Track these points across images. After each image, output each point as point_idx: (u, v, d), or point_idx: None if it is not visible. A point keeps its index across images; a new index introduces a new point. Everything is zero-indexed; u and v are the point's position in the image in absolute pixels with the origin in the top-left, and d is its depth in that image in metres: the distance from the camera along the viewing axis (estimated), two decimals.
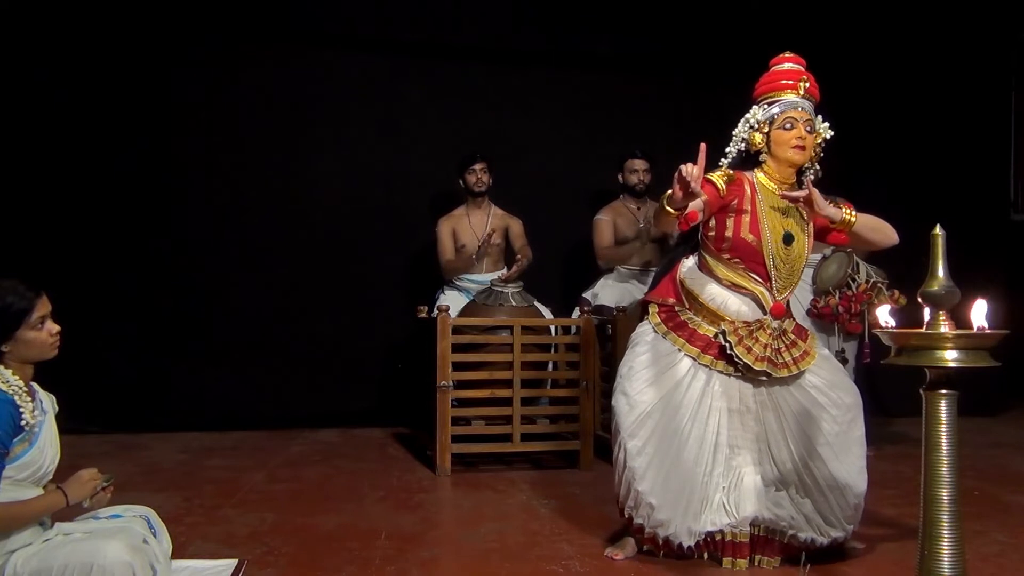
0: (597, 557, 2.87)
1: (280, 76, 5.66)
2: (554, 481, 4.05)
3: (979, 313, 1.86)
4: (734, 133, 2.97)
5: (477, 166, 5.18)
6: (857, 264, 4.48)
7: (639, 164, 5.16)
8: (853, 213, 2.87)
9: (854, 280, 4.43)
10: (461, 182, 5.24)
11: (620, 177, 5.25)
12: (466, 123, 5.78)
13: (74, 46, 5.31)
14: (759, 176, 2.91)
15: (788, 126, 2.84)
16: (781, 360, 2.78)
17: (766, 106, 2.89)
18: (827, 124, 2.93)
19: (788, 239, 2.86)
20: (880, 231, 2.94)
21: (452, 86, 5.88)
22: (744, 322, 2.83)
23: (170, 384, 5.41)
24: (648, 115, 5.86)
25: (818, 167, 3.01)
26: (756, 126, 2.88)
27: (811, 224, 2.94)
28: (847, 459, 2.76)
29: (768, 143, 2.88)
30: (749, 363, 2.75)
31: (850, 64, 6.06)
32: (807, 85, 2.86)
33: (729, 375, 2.82)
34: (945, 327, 1.83)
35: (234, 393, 5.44)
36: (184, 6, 5.41)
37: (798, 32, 5.62)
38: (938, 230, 1.89)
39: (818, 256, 4.57)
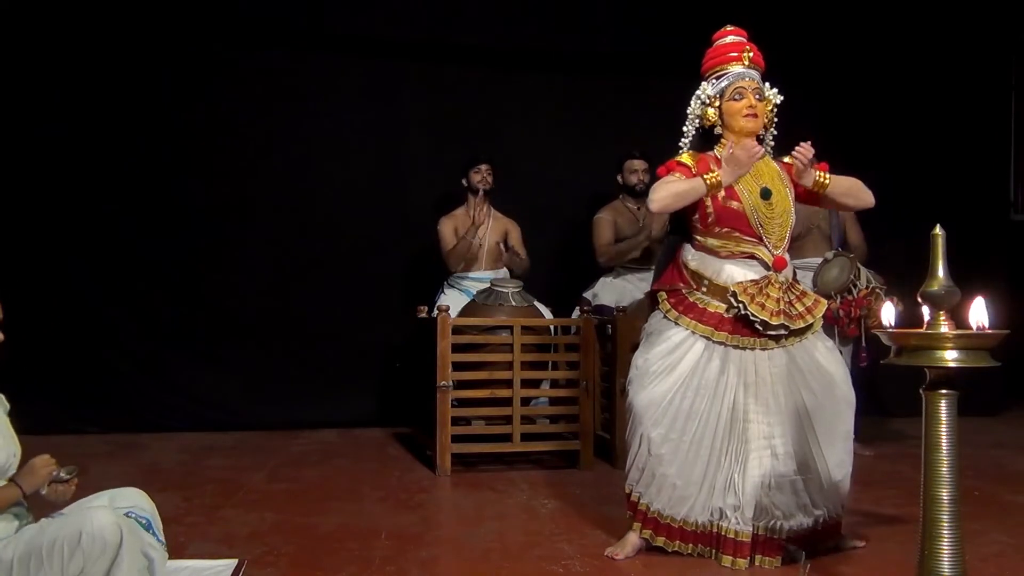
0: (597, 557, 2.87)
1: (279, 77, 5.65)
2: (554, 481, 4.05)
3: (979, 311, 1.86)
4: (688, 112, 3.04)
5: (482, 166, 5.21)
6: (858, 269, 4.48)
7: (638, 164, 5.17)
8: (827, 176, 2.94)
9: (855, 285, 4.43)
10: (464, 181, 5.25)
11: (619, 178, 5.26)
12: (466, 124, 5.77)
13: (74, 48, 5.31)
14: (721, 151, 2.99)
15: (738, 96, 2.94)
16: (796, 311, 2.85)
17: (714, 81, 2.98)
18: (776, 90, 3.01)
19: (766, 194, 2.93)
20: (852, 195, 3.04)
21: (451, 87, 5.87)
22: (752, 281, 2.87)
23: (170, 384, 5.41)
24: (646, 115, 5.84)
25: (774, 132, 3.08)
26: (707, 101, 2.97)
27: (788, 179, 3.01)
28: (837, 443, 2.85)
29: (721, 116, 2.97)
30: (766, 319, 2.79)
31: (851, 64, 6.07)
32: (751, 55, 2.96)
33: (744, 348, 2.85)
34: (945, 327, 1.83)
35: (234, 393, 5.44)
36: (183, 8, 5.41)
37: (798, 32, 5.64)
38: (938, 230, 1.89)
39: (819, 259, 4.58)
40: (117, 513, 2.06)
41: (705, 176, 2.87)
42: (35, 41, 5.25)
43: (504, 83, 5.94)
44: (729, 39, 3.00)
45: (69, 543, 1.95)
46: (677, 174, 2.92)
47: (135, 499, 2.25)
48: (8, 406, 2.23)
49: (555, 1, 5.92)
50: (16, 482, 2.08)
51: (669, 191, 2.88)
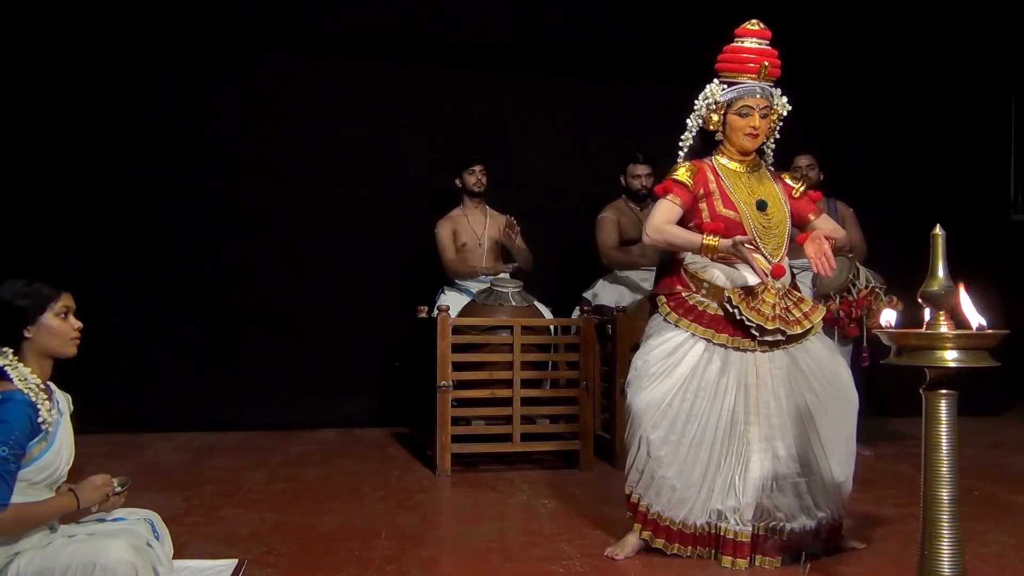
0: (597, 557, 2.87)
1: (279, 78, 5.66)
2: (554, 481, 4.05)
3: (967, 305, 1.86)
4: (694, 106, 3.05)
5: (476, 167, 5.20)
6: (857, 269, 4.48)
7: (642, 169, 5.16)
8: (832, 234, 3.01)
9: (854, 285, 4.43)
10: (459, 182, 5.25)
11: (622, 180, 5.25)
12: (464, 124, 5.77)
13: (74, 48, 5.31)
14: (718, 159, 3.03)
15: (744, 113, 2.95)
16: (792, 317, 2.86)
17: (725, 86, 2.97)
18: (785, 100, 3.03)
19: (762, 205, 2.96)
20: (842, 244, 3.19)
21: (450, 87, 5.87)
22: (748, 287, 2.89)
23: (170, 384, 5.41)
24: (646, 116, 5.84)
25: (777, 136, 3.11)
26: (714, 107, 2.98)
27: (785, 196, 3.05)
28: (840, 445, 2.86)
29: (724, 125, 2.99)
30: (762, 324, 2.80)
31: (852, 65, 6.06)
32: (768, 68, 2.94)
33: (744, 351, 2.85)
34: (945, 327, 1.83)
35: (234, 393, 5.44)
36: (183, 8, 5.41)
37: (800, 32, 5.63)
38: (938, 230, 1.89)
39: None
40: (132, 541, 2.05)
41: (704, 238, 2.88)
42: (35, 41, 5.24)
43: (504, 83, 5.93)
44: (751, 42, 2.95)
45: (84, 572, 1.95)
46: (674, 197, 2.95)
47: (150, 516, 2.30)
48: (72, 409, 2.23)
49: (555, 1, 5.92)
50: (75, 494, 2.09)
51: (666, 237, 2.96)
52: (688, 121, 3.06)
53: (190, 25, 5.44)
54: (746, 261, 2.85)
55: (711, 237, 2.88)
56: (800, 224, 3.09)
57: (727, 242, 2.85)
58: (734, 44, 2.98)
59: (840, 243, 3.11)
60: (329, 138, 5.70)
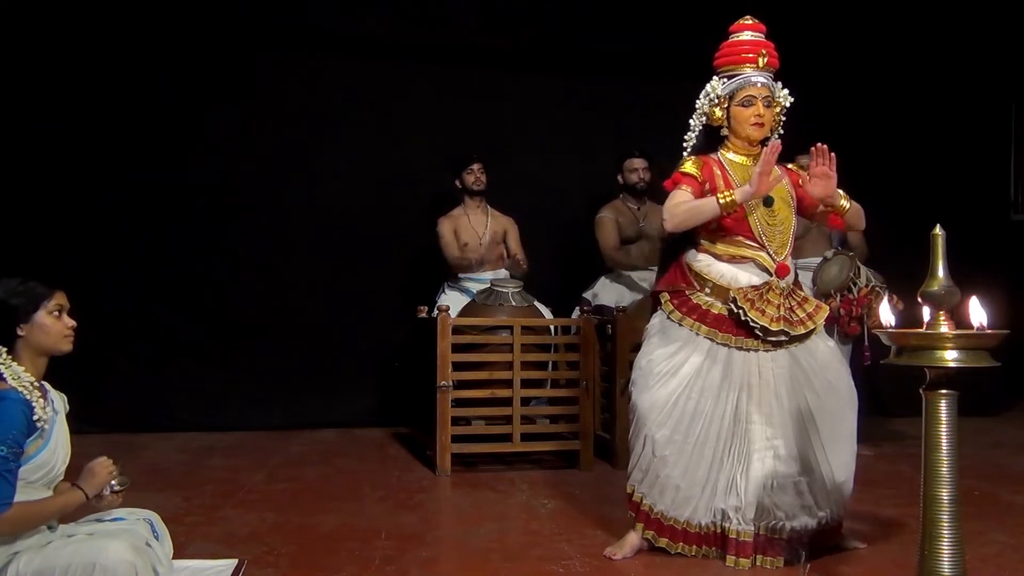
0: (597, 557, 2.87)
1: (278, 79, 5.66)
2: (554, 481, 4.05)
3: (976, 310, 1.86)
4: (696, 105, 3.03)
5: (474, 166, 5.20)
6: (858, 268, 4.48)
7: (638, 163, 5.17)
8: (849, 200, 2.98)
9: (855, 284, 4.43)
10: (458, 183, 5.25)
11: (620, 177, 5.25)
12: (464, 124, 5.77)
13: (76, 50, 5.31)
14: (724, 154, 3.01)
15: (747, 103, 2.93)
16: (796, 317, 2.86)
17: (726, 80, 2.96)
18: (786, 91, 3.01)
19: (768, 202, 2.94)
20: (859, 220, 3.08)
21: (451, 87, 5.87)
22: (753, 287, 2.88)
23: (170, 384, 5.41)
24: (646, 115, 5.85)
25: (780, 131, 3.07)
26: (716, 101, 2.96)
27: (791, 187, 3.03)
28: (840, 445, 2.86)
29: (728, 118, 2.97)
30: (766, 325, 2.80)
31: (853, 65, 6.07)
32: (766, 58, 2.93)
33: (747, 350, 2.85)
34: (945, 327, 1.83)
35: (234, 393, 5.44)
36: (184, 8, 5.41)
37: (800, 32, 5.63)
38: (938, 230, 1.89)
39: (818, 258, 4.58)
40: (131, 541, 2.05)
41: (719, 197, 2.83)
42: (35, 41, 5.24)
43: (504, 83, 5.93)
44: (746, 35, 2.96)
45: (83, 572, 1.95)
46: (685, 186, 2.93)
47: (149, 516, 2.30)
48: (68, 408, 2.23)
49: (555, 1, 5.92)
50: (80, 487, 2.10)
51: (684, 213, 2.88)
52: (691, 121, 3.05)
53: (190, 25, 5.44)
54: (769, 162, 2.78)
55: (725, 196, 2.82)
56: (807, 210, 3.07)
57: (745, 189, 2.79)
58: (730, 40, 2.99)
59: (860, 215, 3.03)
60: (329, 138, 5.70)
